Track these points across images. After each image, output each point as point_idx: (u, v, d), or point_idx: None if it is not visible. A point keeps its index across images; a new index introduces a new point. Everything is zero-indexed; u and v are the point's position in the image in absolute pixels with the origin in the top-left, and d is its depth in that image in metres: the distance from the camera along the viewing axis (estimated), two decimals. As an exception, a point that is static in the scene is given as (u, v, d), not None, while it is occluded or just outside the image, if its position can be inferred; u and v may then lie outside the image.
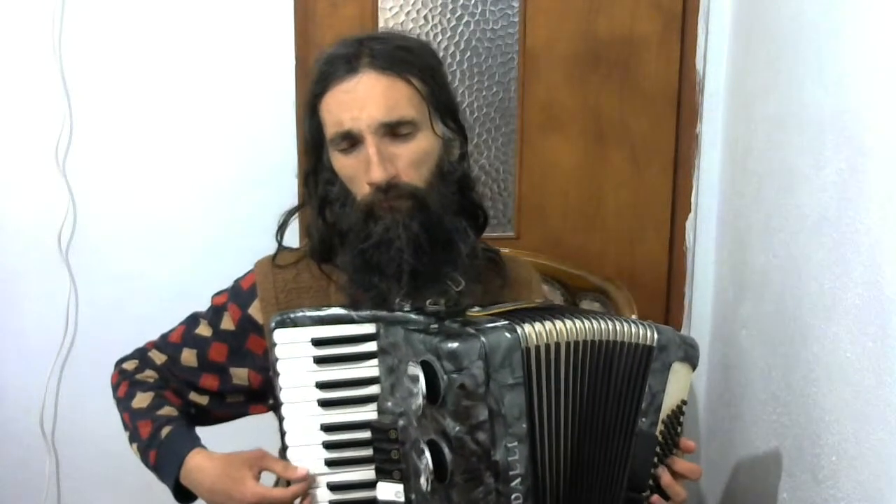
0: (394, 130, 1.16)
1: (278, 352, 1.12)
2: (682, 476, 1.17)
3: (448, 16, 1.89)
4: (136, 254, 1.94)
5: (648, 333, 1.14)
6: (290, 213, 1.34)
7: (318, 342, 1.12)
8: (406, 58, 1.19)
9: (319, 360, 1.12)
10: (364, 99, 1.16)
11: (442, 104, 1.22)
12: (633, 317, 1.16)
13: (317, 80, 1.21)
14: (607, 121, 1.91)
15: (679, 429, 1.18)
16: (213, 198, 1.93)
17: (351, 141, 1.17)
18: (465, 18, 1.89)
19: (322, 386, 1.12)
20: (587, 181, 1.93)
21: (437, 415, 1.04)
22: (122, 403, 1.29)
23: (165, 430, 1.23)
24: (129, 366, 1.33)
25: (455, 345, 1.02)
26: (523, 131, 1.92)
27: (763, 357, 1.51)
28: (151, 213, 1.93)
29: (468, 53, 1.90)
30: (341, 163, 1.20)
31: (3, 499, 2.00)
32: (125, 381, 1.31)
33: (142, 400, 1.27)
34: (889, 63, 1.07)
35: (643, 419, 1.14)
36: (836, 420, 1.19)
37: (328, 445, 1.13)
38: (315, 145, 1.24)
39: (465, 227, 1.22)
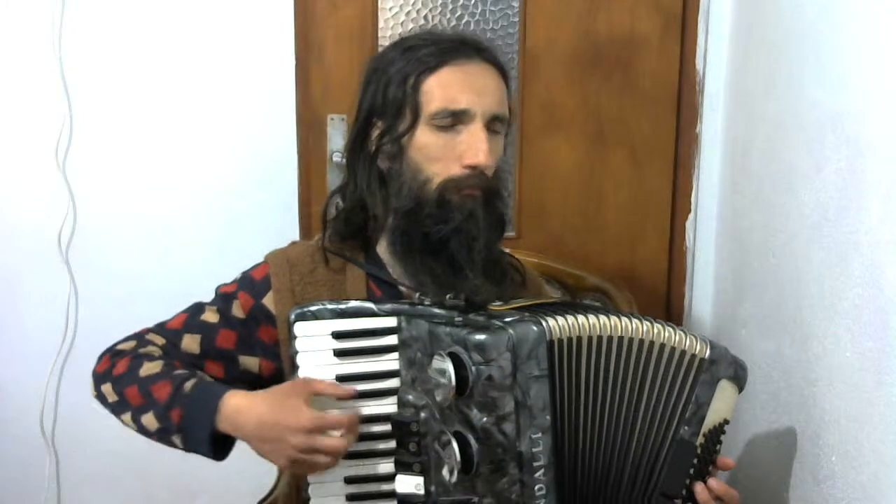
0: (492, 126, 1.20)
1: (298, 345, 1.12)
2: (718, 497, 1.15)
3: (448, 16, 1.89)
4: (136, 254, 1.94)
5: (699, 345, 1.14)
6: (335, 193, 1.31)
7: (338, 335, 1.12)
8: (507, 72, 1.27)
9: (340, 353, 1.12)
10: (486, 86, 1.21)
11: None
12: (682, 328, 1.16)
13: (430, 53, 1.21)
14: (607, 121, 1.91)
15: (718, 446, 1.17)
16: (213, 198, 1.93)
17: (456, 120, 1.18)
18: (465, 18, 1.89)
19: (342, 379, 1.12)
20: (587, 181, 1.94)
21: (464, 406, 1.05)
22: (125, 378, 1.19)
23: (189, 384, 1.15)
24: (126, 346, 1.25)
25: (483, 337, 1.04)
26: (523, 131, 1.92)
27: (763, 357, 1.51)
28: (151, 213, 1.93)
29: (468, 53, 1.90)
30: (430, 139, 1.19)
31: (3, 499, 2.00)
32: (125, 357, 1.22)
33: (152, 368, 1.19)
34: (889, 63, 1.07)
35: (685, 427, 1.13)
36: (836, 420, 1.19)
37: None
38: (394, 115, 1.21)
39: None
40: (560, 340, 1.08)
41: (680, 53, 1.90)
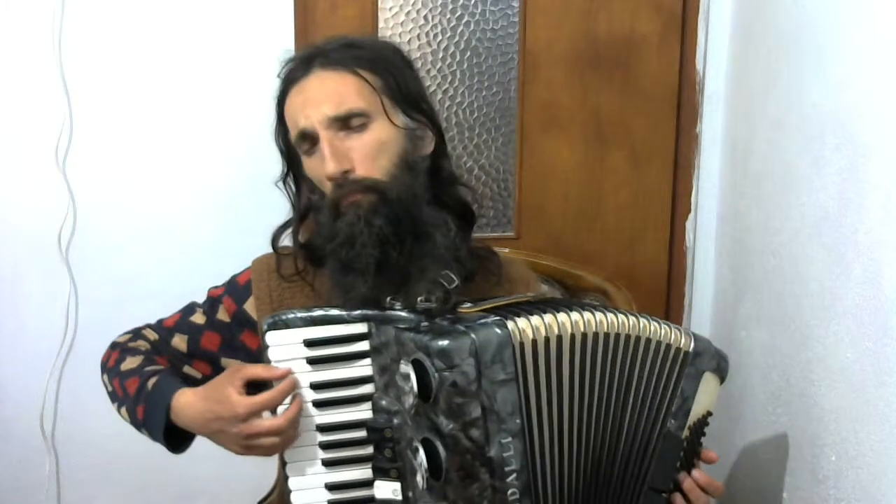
0: (346, 123, 1.17)
1: (271, 354, 1.12)
2: (703, 488, 1.16)
3: (448, 16, 1.89)
4: (136, 254, 1.94)
5: (683, 338, 1.14)
6: (282, 229, 1.31)
7: (310, 343, 1.12)
8: (354, 53, 1.20)
9: (312, 361, 1.12)
10: (314, 97, 1.18)
11: (401, 96, 1.21)
12: (667, 321, 1.16)
13: (279, 88, 1.23)
14: (607, 121, 1.91)
15: (702, 439, 1.17)
16: (213, 198, 1.93)
17: (311, 141, 1.19)
18: (465, 18, 1.89)
19: (316, 387, 1.12)
20: (587, 181, 1.94)
21: (431, 413, 1.03)
22: (112, 371, 1.26)
23: (151, 381, 1.20)
24: (123, 339, 1.33)
25: (445, 342, 1.02)
26: (523, 131, 1.92)
27: (763, 357, 1.51)
28: (151, 214, 1.93)
29: (468, 53, 1.90)
30: (307, 165, 1.22)
31: (3, 499, 2.00)
32: (116, 350, 1.29)
33: (131, 362, 1.26)
34: (889, 63, 1.07)
35: (672, 421, 1.14)
36: (836, 420, 1.19)
37: (324, 446, 1.13)
38: (290, 155, 1.26)
39: (445, 219, 1.20)
40: (533, 341, 1.05)
41: (680, 53, 1.89)
